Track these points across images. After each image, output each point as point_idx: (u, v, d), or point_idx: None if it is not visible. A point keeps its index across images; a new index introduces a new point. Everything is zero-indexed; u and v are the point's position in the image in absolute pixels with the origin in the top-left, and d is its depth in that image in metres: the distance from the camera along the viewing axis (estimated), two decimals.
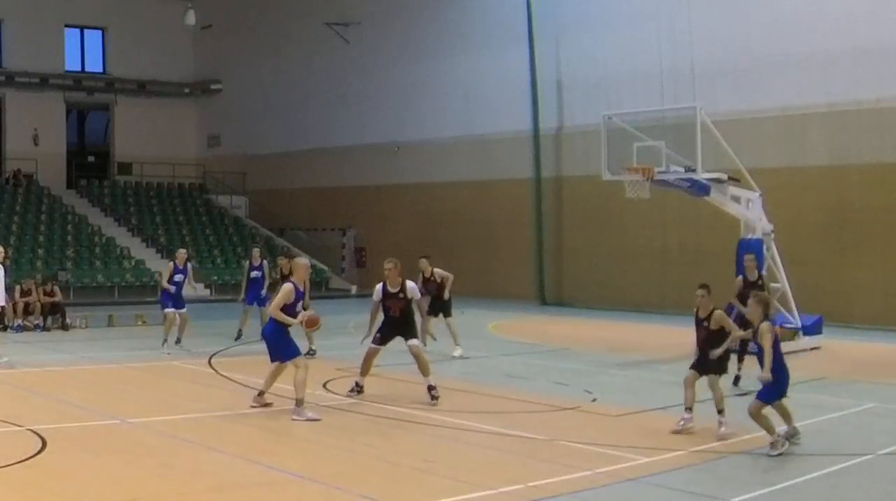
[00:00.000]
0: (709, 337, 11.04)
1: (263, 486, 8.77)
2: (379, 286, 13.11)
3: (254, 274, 19.77)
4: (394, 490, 8.68)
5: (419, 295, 13.52)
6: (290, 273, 17.02)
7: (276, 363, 12.02)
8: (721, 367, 11.11)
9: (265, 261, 20.48)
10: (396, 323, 13.01)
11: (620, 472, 9.19)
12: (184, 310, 18.34)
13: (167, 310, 18.18)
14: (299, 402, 11.52)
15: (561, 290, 30.57)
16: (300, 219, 38.92)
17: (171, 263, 18.68)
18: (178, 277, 18.37)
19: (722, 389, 11.05)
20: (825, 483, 9.02)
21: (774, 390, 9.90)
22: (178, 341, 18.08)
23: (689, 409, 10.95)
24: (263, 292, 19.64)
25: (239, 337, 19.52)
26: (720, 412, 10.83)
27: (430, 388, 12.67)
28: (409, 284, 13.22)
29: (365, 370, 13.10)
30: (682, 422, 10.94)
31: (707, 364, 11.01)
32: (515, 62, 31.40)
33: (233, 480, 8.97)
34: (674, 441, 10.60)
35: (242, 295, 19.93)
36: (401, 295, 13.01)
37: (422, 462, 9.60)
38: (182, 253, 19.06)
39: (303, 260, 13.04)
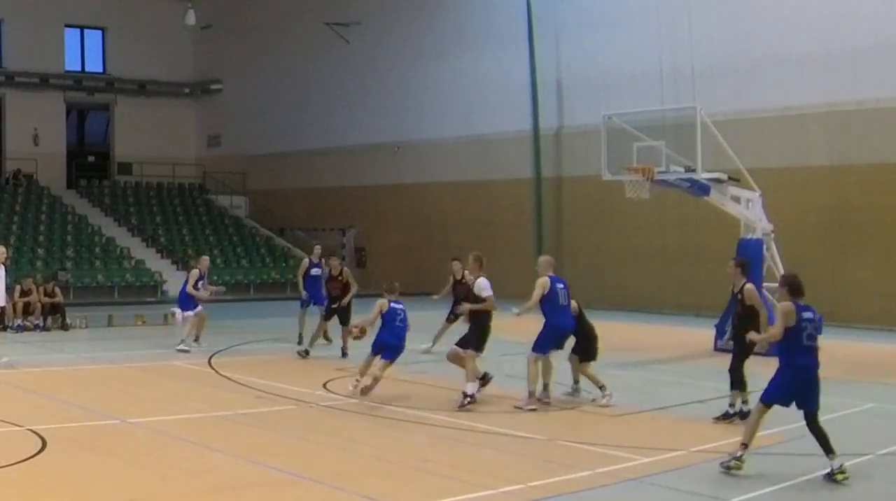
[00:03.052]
0: None
1: (263, 486, 8.77)
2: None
3: (314, 271, 18.87)
4: (394, 490, 8.69)
5: (488, 291, 13.24)
6: (340, 273, 17.20)
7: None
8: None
9: (323, 260, 19.25)
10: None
11: (620, 472, 9.20)
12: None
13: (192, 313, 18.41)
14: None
15: None
16: (300, 219, 38.85)
17: (196, 270, 18.71)
18: (201, 282, 18.75)
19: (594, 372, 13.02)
20: (825, 483, 9.01)
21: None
22: (196, 339, 18.37)
23: (577, 381, 13.42)
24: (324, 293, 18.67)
25: (301, 341, 18.04)
26: (601, 388, 12.79)
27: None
28: (481, 281, 13.37)
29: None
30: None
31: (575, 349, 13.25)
32: (515, 62, 31.37)
33: (233, 480, 8.97)
34: (674, 441, 10.60)
35: (303, 295, 18.72)
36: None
37: (422, 462, 9.60)
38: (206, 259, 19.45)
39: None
